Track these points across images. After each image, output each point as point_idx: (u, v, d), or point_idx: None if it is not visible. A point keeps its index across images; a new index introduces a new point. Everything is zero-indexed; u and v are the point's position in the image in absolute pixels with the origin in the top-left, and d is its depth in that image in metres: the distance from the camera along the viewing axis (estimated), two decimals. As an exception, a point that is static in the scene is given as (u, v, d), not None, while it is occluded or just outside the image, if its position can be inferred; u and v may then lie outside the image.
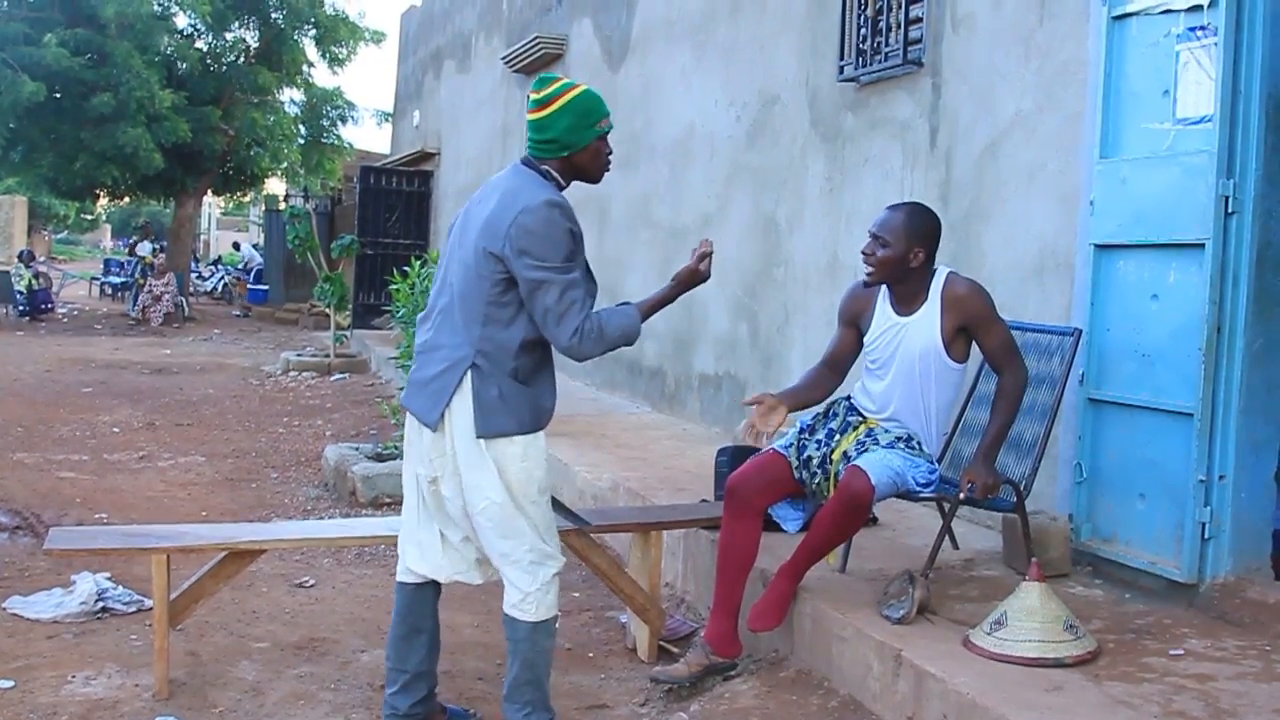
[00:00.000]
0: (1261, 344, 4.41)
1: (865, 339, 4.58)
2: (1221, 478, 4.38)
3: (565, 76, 3.98)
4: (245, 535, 4.76)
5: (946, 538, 4.70)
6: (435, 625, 4.11)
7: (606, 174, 4.04)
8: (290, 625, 5.22)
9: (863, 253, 4.48)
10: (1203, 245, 4.33)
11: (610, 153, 3.98)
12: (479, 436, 3.75)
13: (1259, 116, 4.32)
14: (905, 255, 4.37)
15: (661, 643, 4.88)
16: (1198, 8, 4.41)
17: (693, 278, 4.05)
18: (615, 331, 3.78)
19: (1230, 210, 4.31)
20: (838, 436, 4.45)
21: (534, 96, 3.87)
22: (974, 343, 4.44)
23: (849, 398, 4.62)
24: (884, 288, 4.51)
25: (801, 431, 4.53)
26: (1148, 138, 4.62)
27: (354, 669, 4.71)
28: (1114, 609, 4.41)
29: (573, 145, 3.85)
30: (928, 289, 4.41)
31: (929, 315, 4.38)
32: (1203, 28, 4.40)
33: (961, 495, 4.31)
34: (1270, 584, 4.40)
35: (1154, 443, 4.55)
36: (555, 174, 3.87)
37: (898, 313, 4.46)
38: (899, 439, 4.37)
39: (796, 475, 4.43)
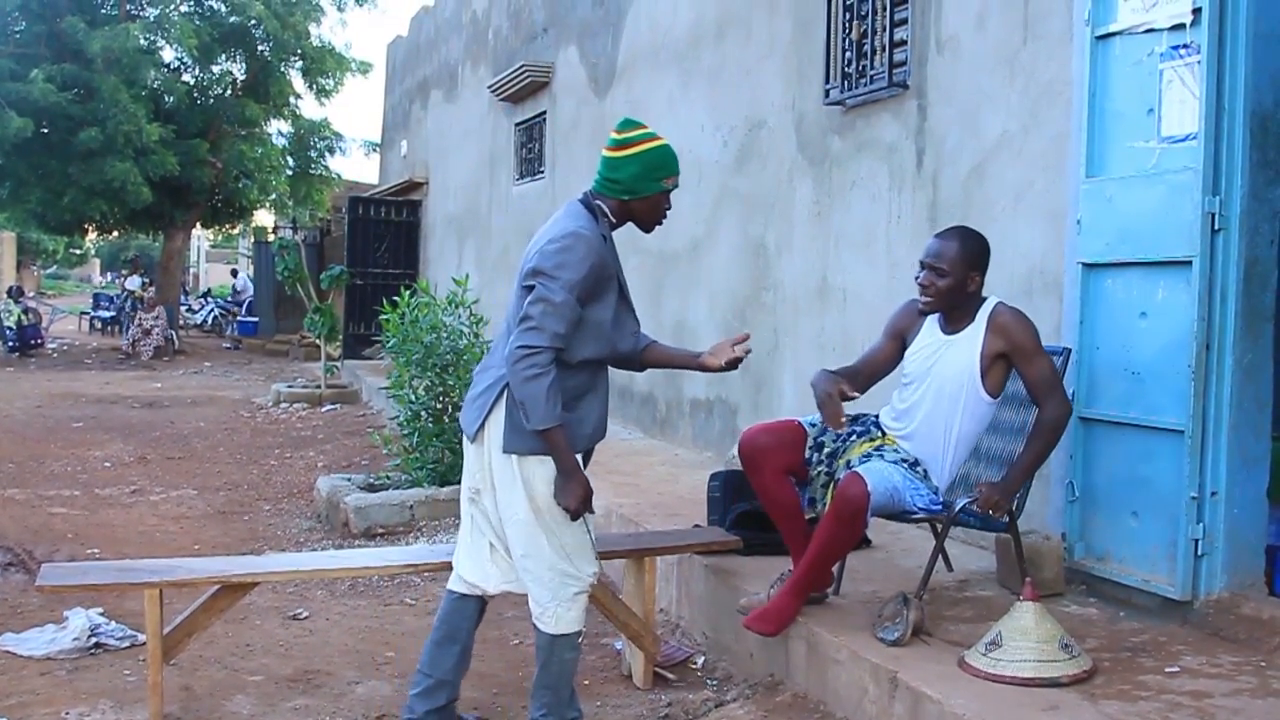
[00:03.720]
0: (1251, 360, 4.42)
1: (906, 352, 4.59)
2: (1214, 494, 4.38)
3: (647, 125, 4.12)
4: (238, 568, 4.74)
5: (941, 559, 4.69)
6: (469, 640, 4.23)
7: (659, 226, 4.19)
8: (284, 658, 5.19)
9: (920, 284, 4.47)
10: (1190, 262, 4.34)
11: (669, 208, 4.12)
12: (505, 451, 3.88)
13: (1243, 133, 4.34)
14: (963, 282, 4.40)
15: (657, 669, 4.87)
16: (1180, 26, 4.43)
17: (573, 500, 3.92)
18: (540, 399, 3.73)
19: (1216, 227, 4.33)
20: (853, 439, 4.50)
21: (615, 136, 4.03)
22: (1012, 375, 4.44)
23: (877, 415, 4.65)
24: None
25: None
26: (1133, 156, 4.64)
27: (349, 701, 4.68)
28: (1109, 627, 4.41)
29: (635, 192, 4.00)
30: (975, 312, 4.43)
31: (972, 337, 4.40)
32: (1185, 46, 4.42)
33: (972, 503, 4.31)
34: (1265, 599, 4.40)
35: (1146, 460, 4.56)
36: (609, 212, 4.01)
37: (943, 331, 4.49)
38: (904, 460, 4.39)
39: (807, 455, 4.51)
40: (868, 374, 4.68)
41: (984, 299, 4.47)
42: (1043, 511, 5.10)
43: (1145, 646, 4.18)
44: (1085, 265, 4.81)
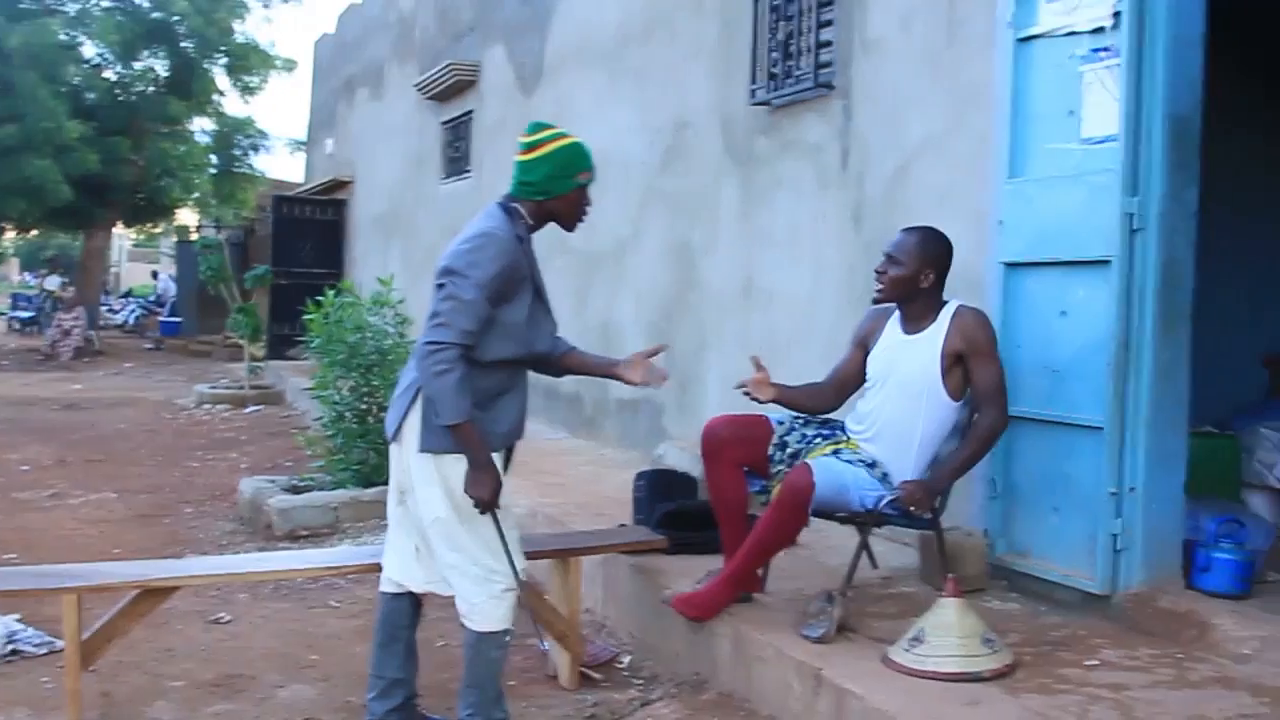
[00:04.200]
0: (1168, 358, 4.48)
1: (869, 356, 4.65)
2: (1132, 490, 4.45)
3: (557, 125, 4.12)
4: (159, 572, 4.67)
5: (865, 557, 4.72)
6: (411, 637, 4.23)
7: (581, 223, 4.18)
8: (206, 663, 5.12)
9: (876, 271, 4.56)
10: (1109, 262, 4.40)
11: (588, 204, 4.13)
12: (422, 450, 3.90)
13: (1161, 135, 4.41)
14: (916, 275, 4.45)
15: (583, 669, 4.86)
16: (1100, 30, 4.50)
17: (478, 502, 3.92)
18: (448, 393, 3.75)
19: (1135, 227, 4.39)
20: (818, 440, 4.54)
21: (523, 140, 4.04)
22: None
23: (844, 423, 4.70)
24: (897, 311, 4.60)
25: (796, 418, 4.65)
26: (1054, 157, 4.70)
27: (272, 705, 4.63)
28: (1030, 622, 4.46)
29: (550, 192, 4.01)
30: (936, 313, 4.49)
31: (933, 336, 4.45)
32: (1106, 49, 4.49)
33: (893, 498, 4.34)
34: (1182, 593, 4.47)
35: (1066, 457, 4.62)
36: (526, 214, 4.02)
37: (904, 331, 4.55)
38: (863, 460, 4.42)
39: (770, 452, 4.55)
40: (836, 386, 4.76)
41: (945, 301, 4.53)
42: (965, 508, 5.14)
43: (1066, 640, 4.23)
44: (1007, 265, 4.87)
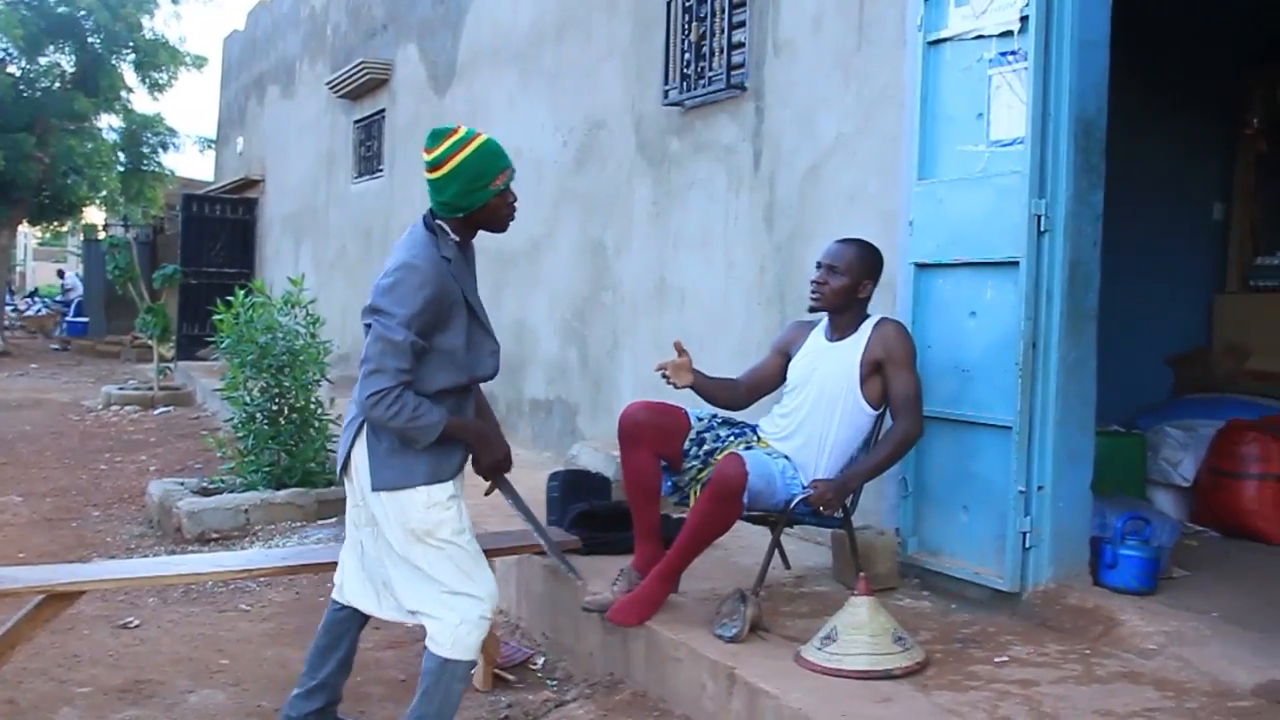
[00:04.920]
0: (1075, 357, 4.54)
1: (790, 362, 4.72)
2: (1040, 488, 4.50)
3: (465, 126, 3.85)
4: (64, 576, 4.58)
5: (778, 558, 4.75)
6: (351, 648, 4.15)
7: (513, 222, 3.99)
8: (114, 668, 5.04)
9: (814, 282, 4.61)
10: (1017, 263, 4.46)
11: (514, 202, 3.91)
12: (375, 490, 3.77)
13: (1068, 138, 4.47)
14: (856, 285, 4.56)
15: (497, 670, 4.84)
16: (1008, 34, 4.55)
17: (495, 468, 4.05)
18: (413, 424, 3.64)
19: (1042, 229, 4.45)
20: (730, 439, 4.60)
21: (426, 157, 3.77)
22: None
23: (757, 424, 4.75)
24: (825, 320, 4.66)
25: (714, 416, 4.68)
26: (963, 159, 4.75)
27: (181, 711, 4.57)
28: (941, 619, 4.51)
29: (467, 207, 3.78)
30: (861, 323, 4.58)
31: (854, 344, 4.54)
32: (1013, 53, 4.54)
33: (804, 496, 4.38)
34: (1089, 589, 4.53)
35: (975, 456, 4.67)
36: (450, 230, 3.81)
37: (828, 339, 4.64)
38: (782, 455, 4.51)
39: (686, 446, 4.57)
40: (750, 386, 4.82)
41: (869, 315, 4.62)
42: (877, 507, 5.19)
43: (976, 637, 4.28)
44: (917, 266, 4.91)
